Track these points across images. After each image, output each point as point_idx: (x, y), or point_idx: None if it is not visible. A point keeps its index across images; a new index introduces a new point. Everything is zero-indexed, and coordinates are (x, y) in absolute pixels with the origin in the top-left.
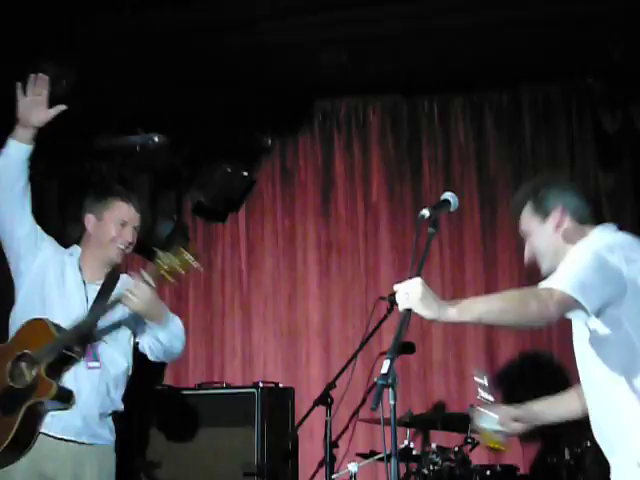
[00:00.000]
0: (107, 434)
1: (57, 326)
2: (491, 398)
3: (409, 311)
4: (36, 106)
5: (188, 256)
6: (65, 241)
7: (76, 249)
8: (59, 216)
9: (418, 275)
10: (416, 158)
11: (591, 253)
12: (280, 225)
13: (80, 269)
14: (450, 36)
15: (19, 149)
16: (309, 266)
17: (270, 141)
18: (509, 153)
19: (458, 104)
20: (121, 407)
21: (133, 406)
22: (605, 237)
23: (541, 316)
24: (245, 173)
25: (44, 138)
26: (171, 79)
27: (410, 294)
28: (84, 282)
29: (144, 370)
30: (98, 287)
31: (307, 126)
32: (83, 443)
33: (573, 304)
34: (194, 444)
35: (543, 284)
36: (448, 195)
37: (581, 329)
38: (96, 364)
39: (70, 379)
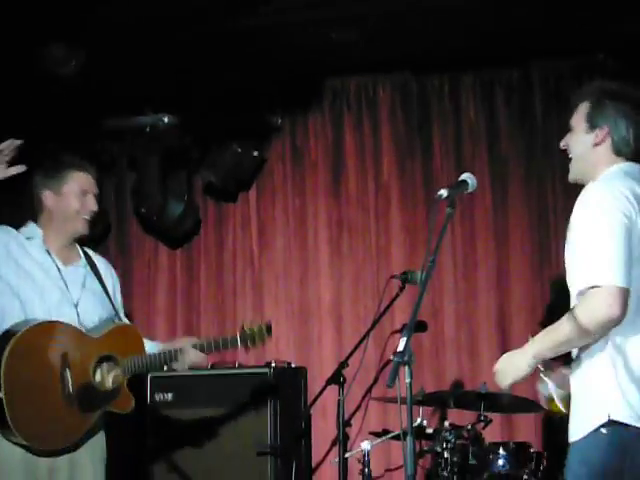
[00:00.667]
0: None
1: (147, 341)
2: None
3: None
4: None
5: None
6: None
7: (33, 230)
8: None
9: (434, 256)
10: (426, 136)
11: (607, 225)
12: (291, 204)
13: (48, 252)
14: (460, 12)
15: None
16: (320, 245)
17: (280, 120)
18: (520, 130)
19: (468, 82)
20: None
21: (145, 387)
22: (617, 182)
23: (609, 321)
24: (255, 153)
25: (53, 119)
26: (181, 59)
27: (506, 372)
28: (58, 267)
29: None
30: (76, 269)
31: (317, 105)
32: None
33: (626, 293)
34: (207, 424)
35: (585, 285)
36: (466, 176)
37: None
38: None
39: None
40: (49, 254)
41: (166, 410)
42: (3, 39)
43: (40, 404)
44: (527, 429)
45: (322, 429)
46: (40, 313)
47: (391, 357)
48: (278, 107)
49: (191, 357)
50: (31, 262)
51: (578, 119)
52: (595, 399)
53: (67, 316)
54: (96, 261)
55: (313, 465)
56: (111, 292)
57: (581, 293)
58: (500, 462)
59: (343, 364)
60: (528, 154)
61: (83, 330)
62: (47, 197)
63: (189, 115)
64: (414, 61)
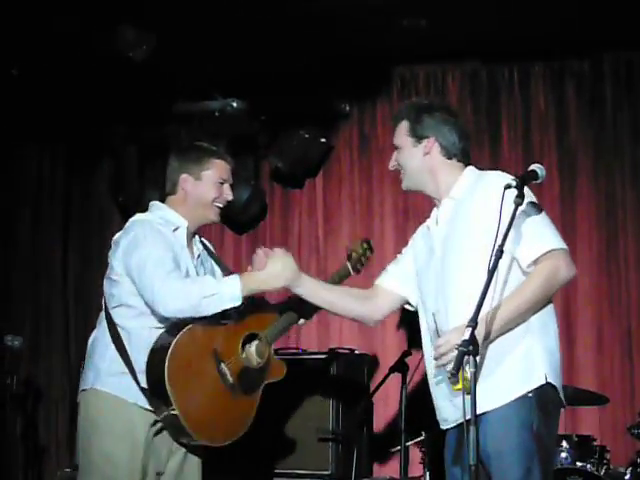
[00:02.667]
0: None
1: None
2: None
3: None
4: None
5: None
6: (144, 205)
7: (176, 218)
8: (138, 181)
9: (502, 246)
10: (495, 126)
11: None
12: (357, 191)
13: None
14: (531, 2)
15: None
16: (386, 233)
17: (348, 107)
18: (590, 121)
19: (538, 71)
20: None
21: None
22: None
23: (570, 277)
24: (323, 139)
25: (124, 103)
26: (251, 44)
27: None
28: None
29: None
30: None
31: (385, 93)
32: None
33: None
34: (269, 409)
35: (541, 251)
36: (535, 166)
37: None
38: None
39: None
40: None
41: None
42: (76, 23)
43: (212, 406)
44: (590, 422)
45: (384, 417)
46: None
47: (455, 346)
48: (347, 94)
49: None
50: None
51: (401, 137)
52: (524, 366)
53: None
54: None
55: (374, 452)
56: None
57: (536, 261)
58: (563, 455)
59: (407, 352)
60: (597, 145)
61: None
62: (185, 180)
63: (258, 100)
64: (484, 50)
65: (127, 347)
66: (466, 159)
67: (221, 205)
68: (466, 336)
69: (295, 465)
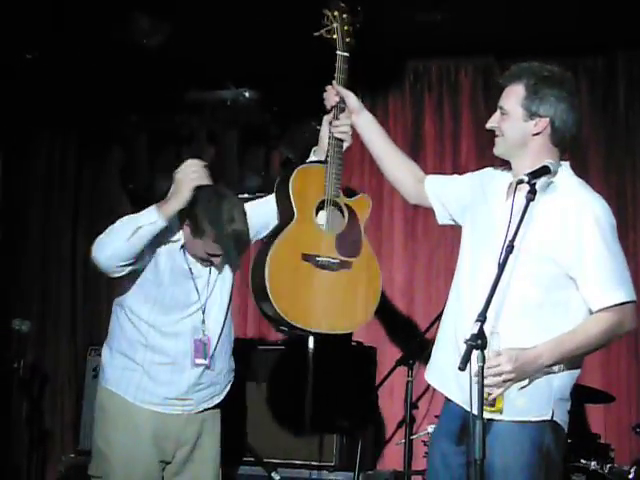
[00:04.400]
0: None
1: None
2: None
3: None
4: None
5: None
6: (154, 193)
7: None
8: (148, 169)
9: (512, 241)
10: None
11: (614, 237)
12: (367, 183)
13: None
14: None
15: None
16: (395, 226)
17: (361, 99)
18: (602, 119)
19: None
20: None
21: None
22: (595, 196)
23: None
24: None
25: (136, 91)
26: (264, 35)
27: (509, 378)
28: (190, 270)
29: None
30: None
31: (398, 86)
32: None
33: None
34: (274, 399)
35: (609, 300)
36: (548, 162)
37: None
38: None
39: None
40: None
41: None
42: (91, 9)
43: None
44: (595, 420)
45: (388, 410)
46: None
47: (464, 340)
48: (359, 87)
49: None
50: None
51: (514, 104)
52: (548, 396)
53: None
54: None
55: (378, 445)
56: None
57: (605, 308)
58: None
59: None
60: (609, 141)
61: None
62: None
63: (270, 91)
64: (497, 45)
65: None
66: (568, 147)
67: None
68: (474, 330)
69: (299, 456)
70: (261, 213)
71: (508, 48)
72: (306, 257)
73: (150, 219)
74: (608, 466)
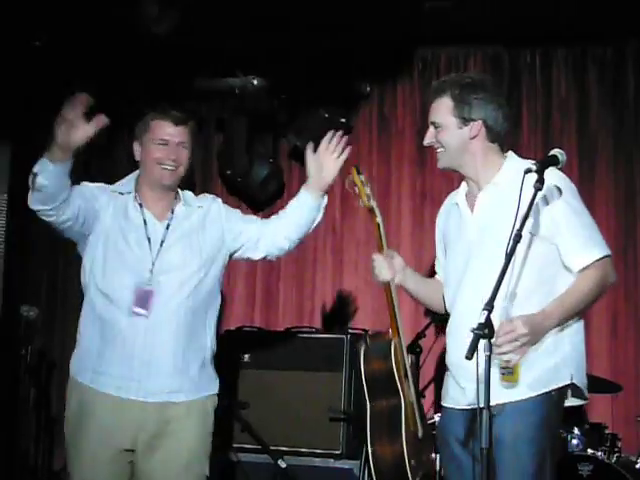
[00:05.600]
0: None
1: None
2: None
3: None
4: (72, 128)
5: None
6: None
7: (128, 183)
8: None
9: (520, 230)
10: (516, 110)
11: (578, 202)
12: (375, 172)
13: (140, 206)
14: None
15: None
16: (403, 215)
17: (369, 88)
18: (611, 108)
19: (561, 56)
20: None
21: (222, 347)
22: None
23: (613, 284)
24: (342, 119)
25: (145, 78)
26: (273, 22)
27: (525, 341)
28: (145, 221)
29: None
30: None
31: (407, 74)
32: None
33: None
34: (281, 387)
35: (588, 259)
36: (556, 151)
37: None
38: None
39: None
40: (141, 208)
41: (242, 370)
42: None
43: None
44: (602, 410)
45: None
46: (114, 267)
47: (470, 330)
48: (367, 74)
49: None
50: (125, 220)
51: (444, 116)
52: (552, 363)
53: (141, 273)
54: (196, 210)
55: None
56: (210, 236)
57: (586, 266)
58: (574, 442)
59: (420, 334)
60: (617, 133)
61: None
62: (135, 148)
63: (278, 79)
64: (506, 33)
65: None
66: (504, 142)
67: (168, 167)
68: (482, 319)
69: (305, 444)
70: (254, 229)
71: (517, 36)
72: None
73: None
74: (615, 456)
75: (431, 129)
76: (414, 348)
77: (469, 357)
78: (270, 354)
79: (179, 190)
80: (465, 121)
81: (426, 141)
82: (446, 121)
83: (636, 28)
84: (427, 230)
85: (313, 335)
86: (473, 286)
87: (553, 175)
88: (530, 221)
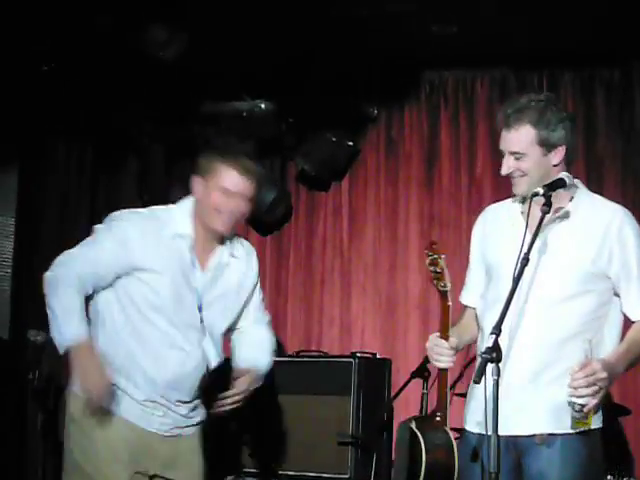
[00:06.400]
0: None
1: None
2: None
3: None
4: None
5: None
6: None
7: (180, 226)
8: (164, 180)
9: (528, 254)
10: None
11: None
12: (383, 195)
13: (193, 249)
14: (562, 10)
15: None
16: (410, 238)
17: (376, 111)
18: (619, 130)
19: (568, 79)
20: None
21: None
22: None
23: None
24: (350, 142)
25: (152, 102)
26: (280, 46)
27: (603, 385)
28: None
29: None
30: (204, 274)
31: (414, 97)
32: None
33: None
34: (290, 411)
35: None
36: (564, 174)
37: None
38: None
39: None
40: (193, 252)
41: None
42: (108, 20)
43: None
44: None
45: None
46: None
47: (478, 353)
48: (375, 98)
49: None
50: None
51: (527, 144)
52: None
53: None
54: (235, 261)
55: (394, 457)
56: (239, 293)
57: None
58: None
59: (428, 358)
60: (625, 154)
61: None
62: (196, 182)
63: (286, 102)
64: (513, 57)
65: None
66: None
67: (227, 218)
68: (489, 344)
69: (314, 468)
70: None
71: (524, 59)
72: None
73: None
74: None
75: (510, 159)
76: (422, 371)
77: (477, 381)
78: (278, 378)
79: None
80: (549, 148)
81: (504, 171)
82: (530, 150)
83: None
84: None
85: (321, 359)
86: (536, 319)
87: (626, 215)
88: (597, 257)
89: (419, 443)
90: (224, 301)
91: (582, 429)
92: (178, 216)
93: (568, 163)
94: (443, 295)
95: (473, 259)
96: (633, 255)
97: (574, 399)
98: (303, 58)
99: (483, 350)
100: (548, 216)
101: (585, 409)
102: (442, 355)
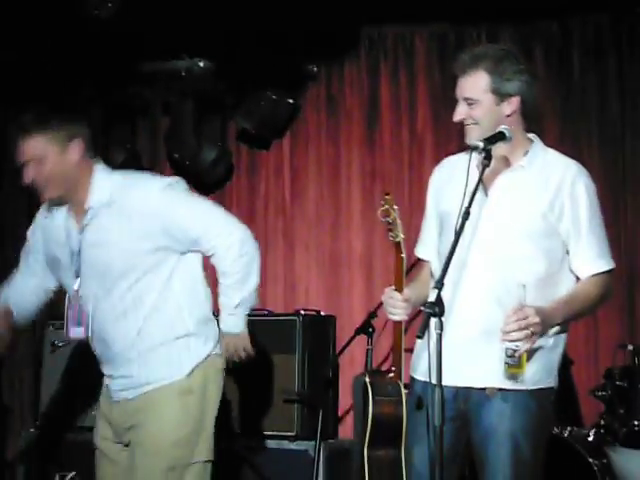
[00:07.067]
0: None
1: None
2: None
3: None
4: None
5: None
6: (109, 166)
7: None
8: (103, 141)
9: (468, 208)
10: None
11: (599, 205)
12: (324, 153)
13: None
14: None
15: None
16: (353, 195)
17: (316, 68)
18: (557, 86)
19: (507, 34)
20: None
21: None
22: (579, 165)
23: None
24: (290, 100)
25: (88, 62)
26: (218, 4)
27: (535, 331)
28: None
29: None
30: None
31: (353, 53)
32: None
33: None
34: (234, 371)
35: (601, 267)
36: (503, 128)
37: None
38: None
39: None
40: (69, 219)
41: None
42: None
43: None
44: None
45: (349, 378)
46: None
47: (421, 308)
48: (314, 55)
49: None
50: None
51: (479, 93)
52: (556, 363)
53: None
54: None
55: (339, 414)
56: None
57: (597, 274)
58: None
59: (372, 314)
60: (564, 110)
61: None
62: None
63: (225, 61)
64: (452, 11)
65: None
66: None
67: (37, 187)
68: (432, 298)
69: (260, 426)
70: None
71: (463, 14)
72: None
73: None
74: (568, 429)
75: (462, 105)
76: (366, 328)
77: (420, 336)
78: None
79: None
80: (502, 97)
81: (457, 118)
82: (482, 97)
83: (580, 2)
84: (377, 210)
85: (265, 317)
86: (479, 277)
87: (580, 171)
88: (548, 206)
89: (368, 395)
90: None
91: (516, 375)
92: None
93: (526, 117)
94: (396, 246)
95: (428, 211)
96: (584, 211)
97: (506, 344)
98: (241, 15)
99: (426, 304)
100: (492, 169)
101: (517, 354)
102: (395, 307)
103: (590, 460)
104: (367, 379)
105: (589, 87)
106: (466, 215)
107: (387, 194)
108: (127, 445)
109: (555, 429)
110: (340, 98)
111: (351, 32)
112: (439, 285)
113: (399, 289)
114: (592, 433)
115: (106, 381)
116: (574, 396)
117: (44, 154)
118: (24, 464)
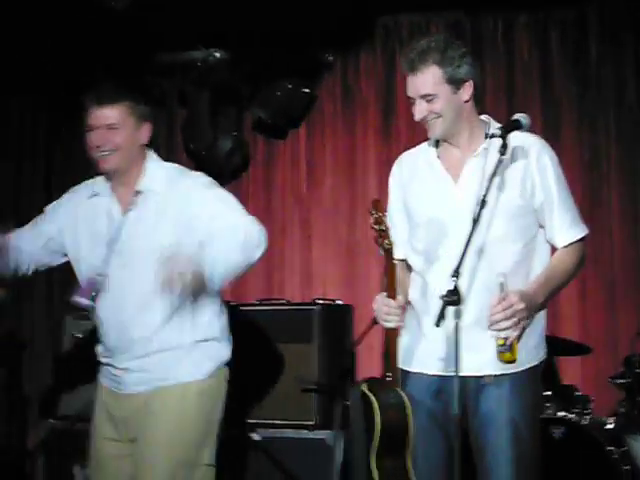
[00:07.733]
0: None
1: None
2: None
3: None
4: None
5: None
6: None
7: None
8: None
9: (485, 196)
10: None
11: (564, 175)
12: (341, 143)
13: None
14: None
15: None
16: (369, 184)
17: (332, 58)
18: (574, 73)
19: (523, 22)
20: None
21: None
22: (539, 138)
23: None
24: (306, 90)
25: (105, 53)
26: None
27: (522, 317)
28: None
29: None
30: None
31: (369, 43)
32: None
33: None
34: (252, 360)
35: (575, 236)
36: (520, 116)
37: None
38: None
39: None
40: (112, 202)
41: None
42: None
43: None
44: (573, 372)
45: (367, 367)
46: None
47: (440, 297)
48: (330, 44)
49: None
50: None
51: (435, 86)
52: (539, 336)
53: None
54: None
55: None
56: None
57: (571, 243)
58: (546, 405)
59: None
60: (581, 96)
61: None
62: None
63: (241, 51)
64: (467, 0)
65: None
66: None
67: (98, 154)
68: (450, 287)
69: (279, 415)
70: None
71: (478, 3)
72: None
73: None
74: (587, 417)
75: (421, 103)
76: None
77: (437, 325)
78: (240, 327)
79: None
80: (458, 84)
81: (418, 117)
82: (439, 89)
83: None
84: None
85: (283, 307)
86: (464, 266)
87: (543, 145)
88: (521, 184)
89: (372, 404)
90: None
91: (511, 361)
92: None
93: (476, 101)
94: (388, 253)
95: (394, 210)
96: (553, 182)
97: (495, 333)
98: (257, 5)
99: (444, 293)
100: (455, 156)
101: (508, 342)
102: (390, 315)
103: (609, 448)
104: (365, 388)
105: (606, 75)
106: (483, 203)
107: (377, 201)
108: (131, 440)
109: (574, 417)
110: (356, 88)
111: (367, 21)
112: (455, 274)
113: (392, 296)
114: (611, 421)
115: (117, 373)
116: (592, 384)
117: (122, 124)
118: (44, 454)
